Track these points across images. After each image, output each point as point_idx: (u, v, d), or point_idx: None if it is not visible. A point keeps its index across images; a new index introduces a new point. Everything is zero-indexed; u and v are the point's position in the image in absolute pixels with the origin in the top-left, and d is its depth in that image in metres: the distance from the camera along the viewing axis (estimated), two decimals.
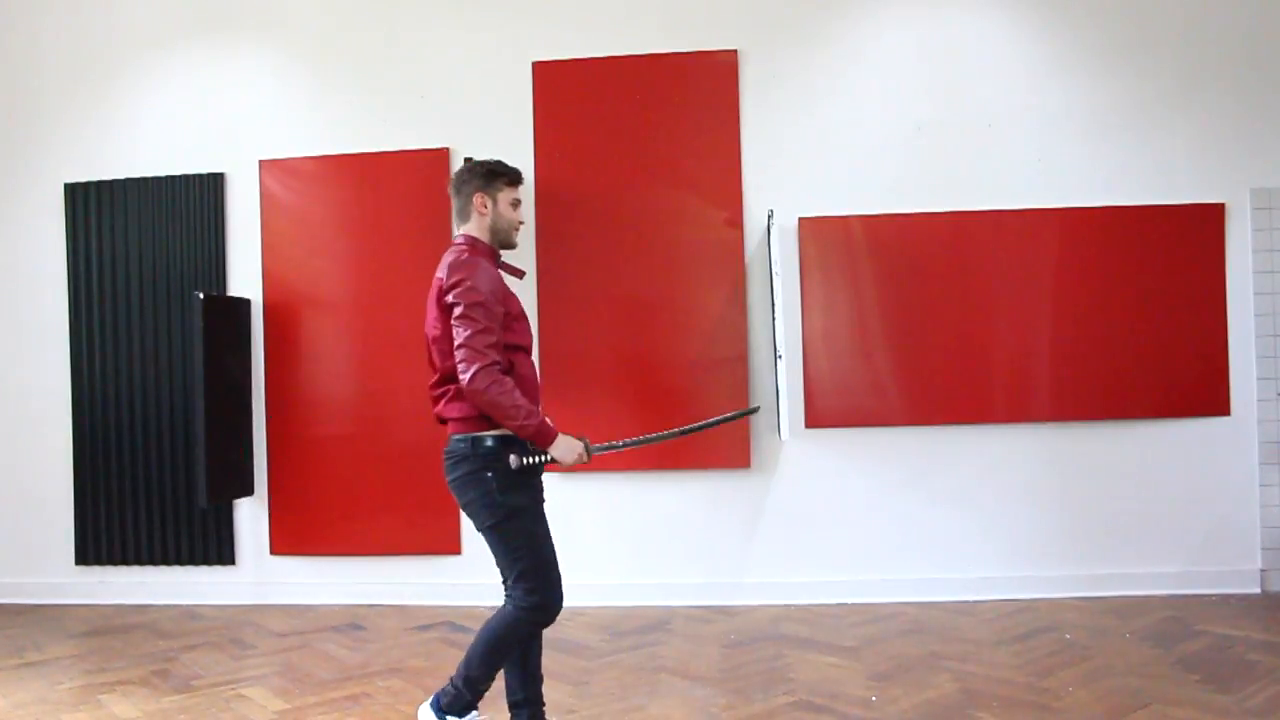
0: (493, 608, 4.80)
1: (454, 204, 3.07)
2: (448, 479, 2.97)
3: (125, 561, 5.08)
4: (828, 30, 4.81)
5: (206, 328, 4.65)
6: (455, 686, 3.01)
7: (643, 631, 4.34)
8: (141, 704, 3.60)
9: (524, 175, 3.16)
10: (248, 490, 4.95)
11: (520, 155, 4.85)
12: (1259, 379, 4.64)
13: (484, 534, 2.98)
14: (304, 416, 4.95)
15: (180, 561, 5.04)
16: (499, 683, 3.09)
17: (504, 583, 3.01)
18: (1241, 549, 4.63)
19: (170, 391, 5.05)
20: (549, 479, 4.82)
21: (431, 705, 3.03)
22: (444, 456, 2.96)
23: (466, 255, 2.94)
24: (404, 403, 4.85)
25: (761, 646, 4.08)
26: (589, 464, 3.00)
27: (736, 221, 4.78)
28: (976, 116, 4.73)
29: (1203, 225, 4.64)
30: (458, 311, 2.81)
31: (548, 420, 2.90)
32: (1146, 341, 4.62)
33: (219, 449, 4.70)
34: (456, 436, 2.93)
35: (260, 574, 5.01)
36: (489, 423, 2.87)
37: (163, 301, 5.07)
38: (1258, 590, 4.59)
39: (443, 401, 2.94)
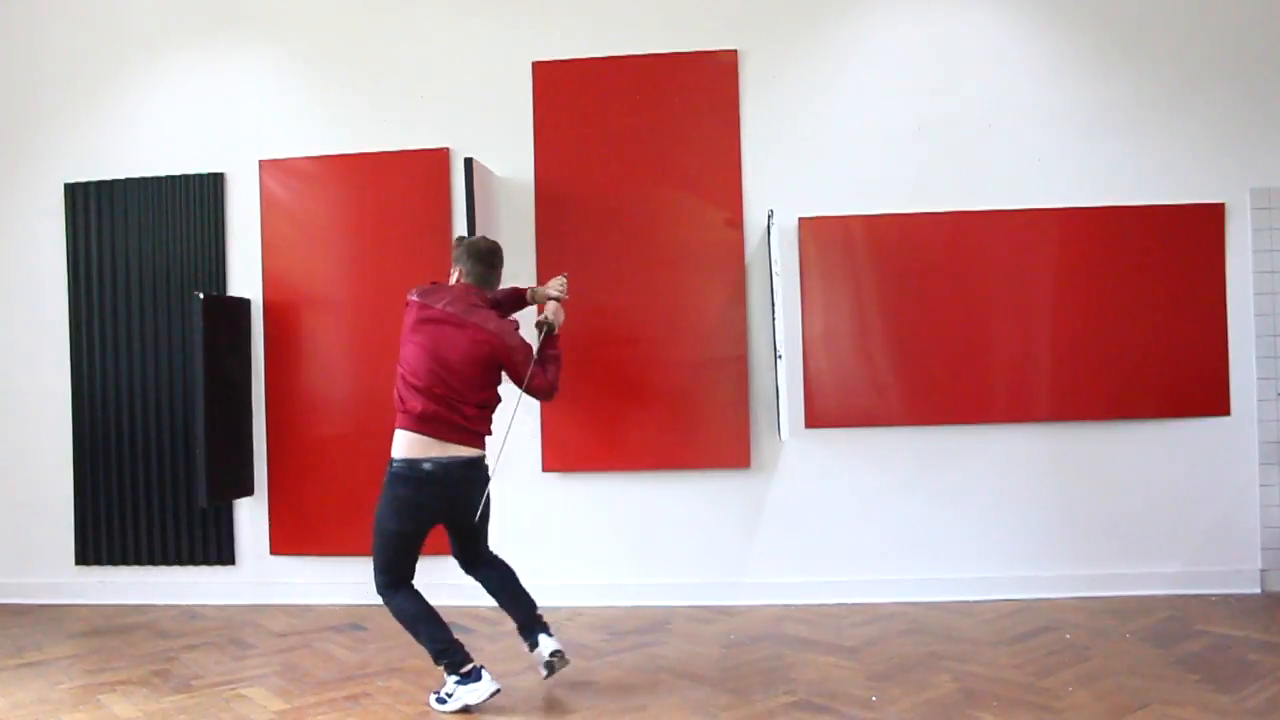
0: (493, 608, 4.80)
1: (493, 274, 3.65)
2: (479, 491, 3.54)
3: (125, 561, 5.08)
4: (828, 30, 4.81)
5: (206, 328, 4.65)
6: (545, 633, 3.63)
7: (643, 631, 4.34)
8: (141, 704, 3.60)
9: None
10: (248, 490, 4.95)
11: (520, 155, 4.86)
12: (1259, 379, 4.64)
13: (482, 518, 3.64)
14: (304, 416, 4.95)
15: (180, 561, 5.05)
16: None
17: (484, 549, 3.75)
18: (1241, 549, 4.63)
19: (170, 391, 5.05)
20: (546, 480, 4.81)
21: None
22: (478, 471, 3.53)
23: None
24: None
25: (761, 646, 4.08)
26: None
27: (736, 221, 4.78)
28: (976, 116, 4.73)
29: (1203, 225, 4.64)
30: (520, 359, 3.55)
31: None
32: (1146, 341, 4.62)
33: (219, 449, 4.70)
34: (483, 453, 3.55)
35: (260, 574, 5.01)
36: None
37: (163, 301, 5.07)
38: (1258, 590, 4.59)
39: (481, 421, 3.53)
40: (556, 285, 3.80)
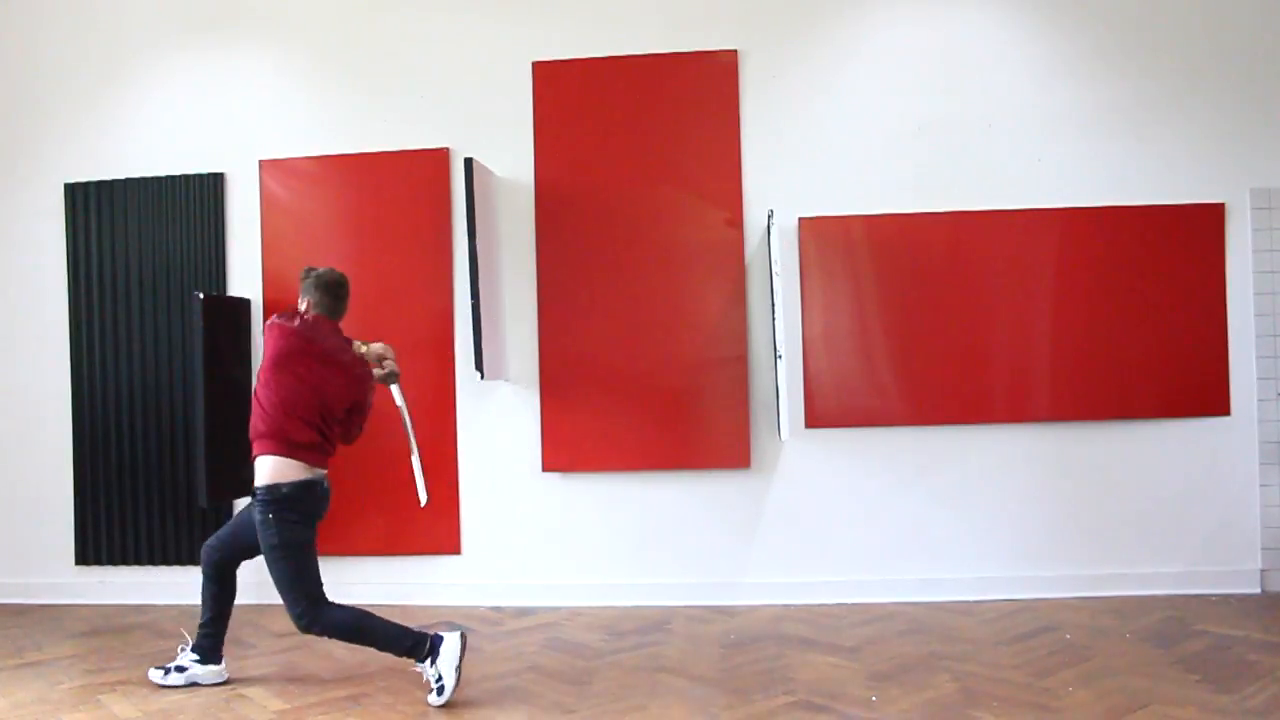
0: (494, 608, 4.80)
1: (342, 306, 3.74)
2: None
3: (125, 561, 5.08)
4: (828, 30, 4.81)
5: (206, 328, 4.65)
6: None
7: (643, 631, 4.34)
8: (141, 704, 3.60)
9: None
10: (248, 490, 4.94)
11: (520, 155, 4.86)
12: (1259, 379, 4.64)
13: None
14: None
15: (180, 561, 5.04)
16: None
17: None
18: (1241, 549, 4.63)
19: (170, 391, 5.05)
20: (546, 480, 4.76)
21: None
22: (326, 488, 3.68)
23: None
24: None
25: (761, 646, 4.08)
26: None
27: (736, 221, 4.78)
28: (976, 116, 4.73)
29: (1203, 225, 4.64)
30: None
31: None
32: (1146, 341, 4.62)
33: (219, 449, 4.70)
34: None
35: (261, 574, 4.92)
36: None
37: (163, 301, 5.07)
38: (1258, 590, 4.59)
39: (334, 445, 3.71)
40: (390, 351, 3.83)
